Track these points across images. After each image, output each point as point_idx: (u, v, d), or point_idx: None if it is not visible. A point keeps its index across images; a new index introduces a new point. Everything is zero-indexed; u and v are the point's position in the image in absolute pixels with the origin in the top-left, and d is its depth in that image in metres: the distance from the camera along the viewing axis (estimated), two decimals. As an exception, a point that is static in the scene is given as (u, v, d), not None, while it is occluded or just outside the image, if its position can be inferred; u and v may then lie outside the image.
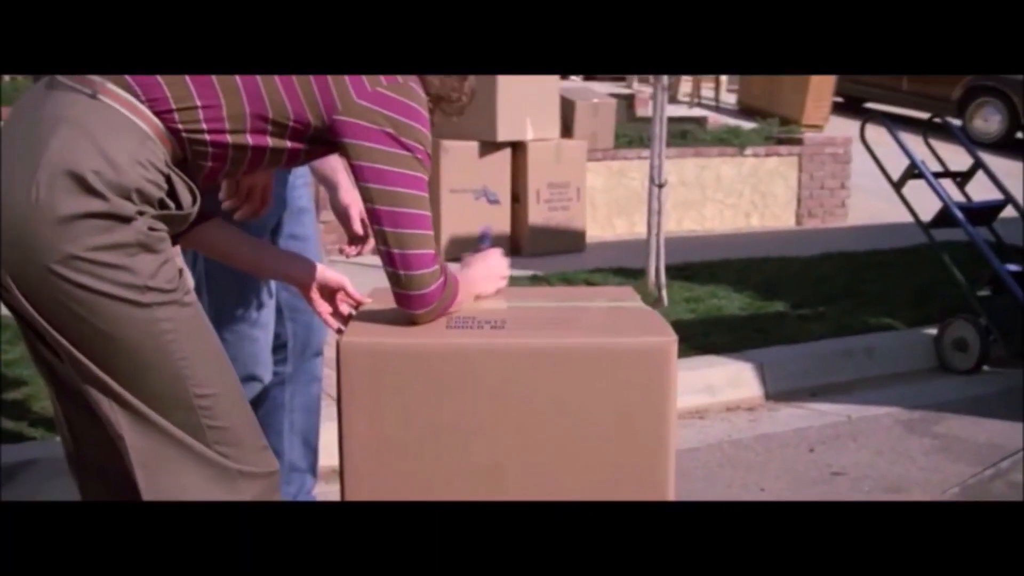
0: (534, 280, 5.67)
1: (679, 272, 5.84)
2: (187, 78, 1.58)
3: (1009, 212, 4.98)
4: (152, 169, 1.54)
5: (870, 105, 13.75)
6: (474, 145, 6.57)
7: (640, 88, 11.05)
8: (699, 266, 6.19)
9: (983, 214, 5.00)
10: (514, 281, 2.22)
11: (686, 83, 11.69)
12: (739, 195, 8.16)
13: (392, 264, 1.70)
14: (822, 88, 11.35)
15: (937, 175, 4.97)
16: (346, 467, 1.73)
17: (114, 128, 1.53)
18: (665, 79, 5.29)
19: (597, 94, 7.88)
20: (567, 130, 7.22)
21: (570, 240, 6.90)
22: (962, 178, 5.18)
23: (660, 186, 5.24)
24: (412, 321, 1.75)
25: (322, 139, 1.69)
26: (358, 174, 1.67)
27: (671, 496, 1.75)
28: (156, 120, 1.57)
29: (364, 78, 1.65)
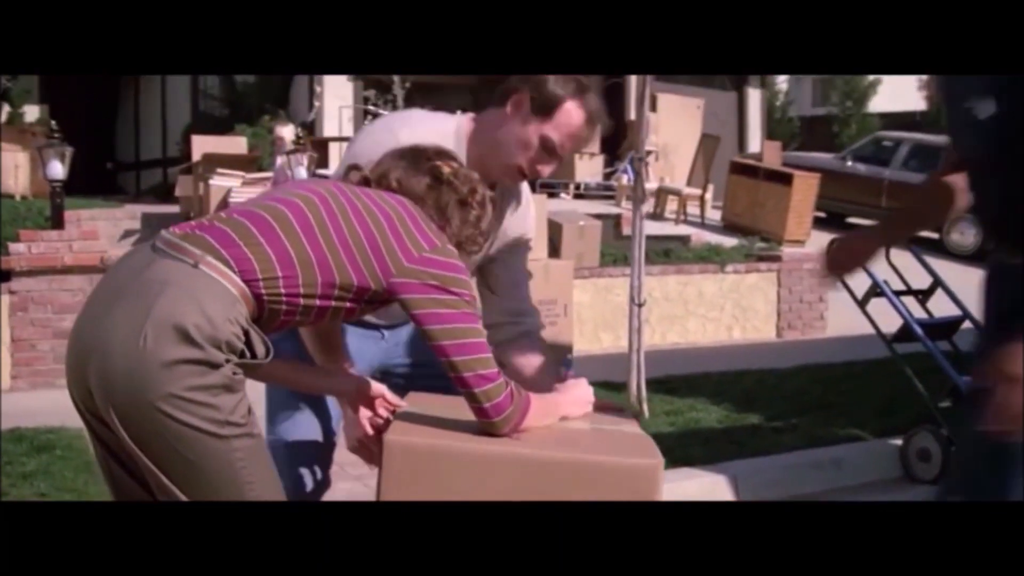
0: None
1: (660, 385, 6.12)
2: (271, 254, 1.92)
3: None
4: (237, 325, 1.87)
5: (852, 220, 14.23)
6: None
7: (628, 207, 11.52)
8: (680, 379, 6.48)
9: (943, 329, 5.31)
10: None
11: (672, 201, 12.15)
12: (720, 309, 8.52)
13: (466, 386, 1.99)
14: (803, 205, 11.83)
15: (900, 293, 5.29)
16: None
17: (211, 292, 1.86)
18: (645, 207, 5.67)
19: (583, 216, 8.29)
20: (555, 250, 7.61)
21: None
22: (923, 295, 5.52)
23: (640, 305, 5.58)
24: (491, 432, 2.02)
25: (376, 299, 2.04)
26: (419, 320, 2.00)
27: None
28: (244, 286, 1.89)
29: (410, 245, 1.99)
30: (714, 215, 12.44)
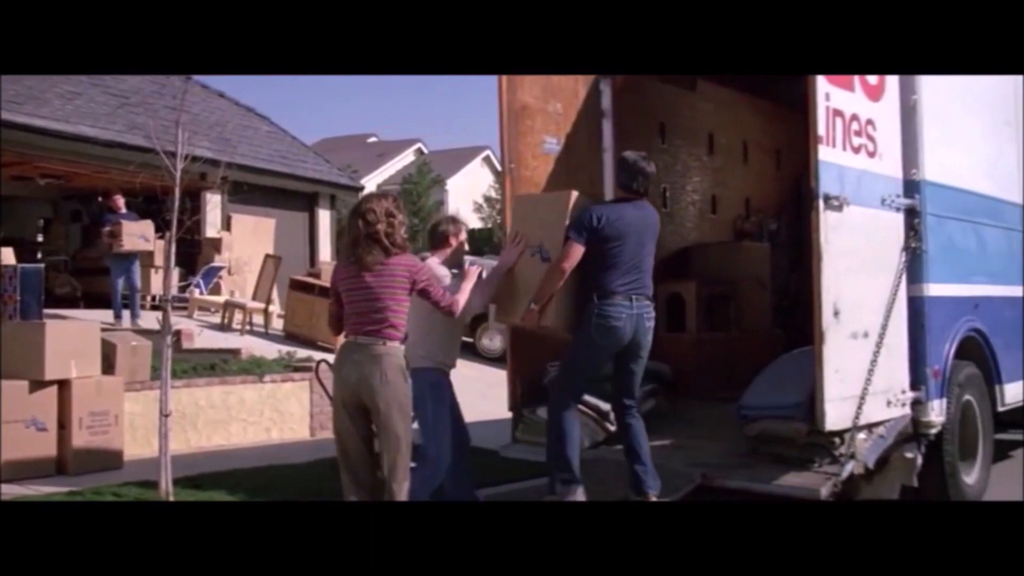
0: (71, 495, 7.00)
1: (190, 482, 7.40)
2: (399, 320, 4.88)
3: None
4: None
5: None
6: (24, 384, 7.90)
7: (196, 320, 12.76)
8: (208, 476, 7.76)
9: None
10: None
11: (239, 313, 13.49)
12: (260, 414, 9.96)
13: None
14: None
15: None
16: None
17: (398, 350, 4.95)
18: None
19: (136, 337, 9.44)
20: (109, 367, 8.70)
21: (109, 459, 8.29)
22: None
23: (166, 415, 6.88)
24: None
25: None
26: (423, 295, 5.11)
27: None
28: (400, 340, 4.95)
29: (408, 273, 5.00)
30: (278, 325, 13.91)
